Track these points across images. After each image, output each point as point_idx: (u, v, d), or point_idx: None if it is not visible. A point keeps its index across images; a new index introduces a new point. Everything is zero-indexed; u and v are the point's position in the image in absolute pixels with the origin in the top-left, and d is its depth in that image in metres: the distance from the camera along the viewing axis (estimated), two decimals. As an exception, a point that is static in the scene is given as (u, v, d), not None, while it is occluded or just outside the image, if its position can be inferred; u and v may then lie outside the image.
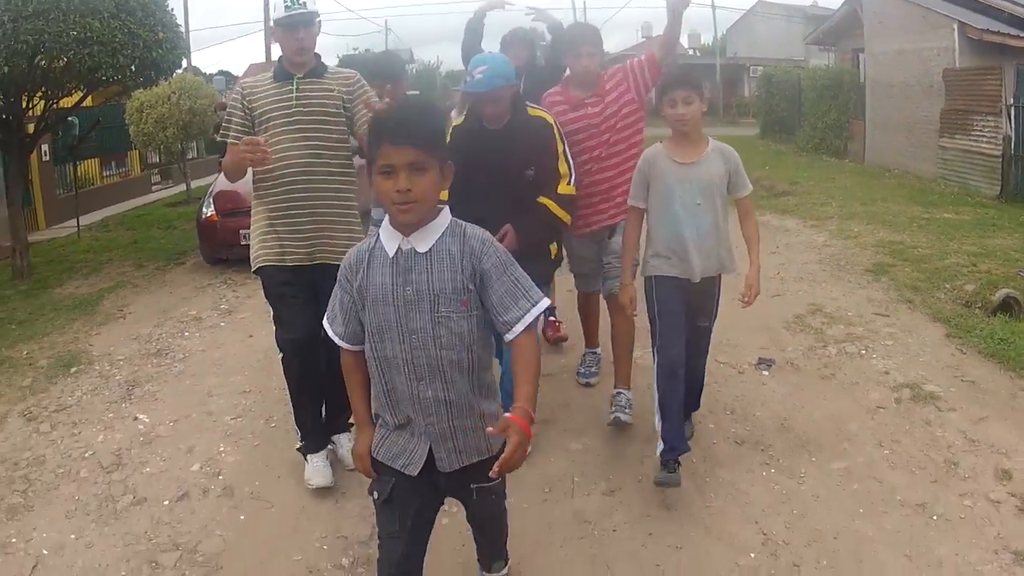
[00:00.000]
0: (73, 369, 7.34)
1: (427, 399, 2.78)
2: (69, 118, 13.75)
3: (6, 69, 9.38)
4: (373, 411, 3.01)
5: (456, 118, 5.51)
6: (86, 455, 5.58)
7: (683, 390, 4.58)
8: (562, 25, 6.49)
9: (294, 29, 4.62)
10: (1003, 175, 15.01)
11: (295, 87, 4.65)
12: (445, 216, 2.79)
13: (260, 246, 4.76)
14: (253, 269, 4.87)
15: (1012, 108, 14.93)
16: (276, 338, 4.91)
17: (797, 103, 26.63)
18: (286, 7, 4.60)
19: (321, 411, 5.09)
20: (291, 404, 5.06)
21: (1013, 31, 16.63)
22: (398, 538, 2.94)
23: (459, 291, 2.72)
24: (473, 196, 4.73)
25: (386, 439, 2.93)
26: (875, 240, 10.84)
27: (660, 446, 4.47)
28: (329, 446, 5.12)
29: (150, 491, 5.03)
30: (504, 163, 4.93)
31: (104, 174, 22.03)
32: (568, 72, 5.92)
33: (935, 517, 4.28)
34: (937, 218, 12.44)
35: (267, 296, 4.87)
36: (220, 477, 5.16)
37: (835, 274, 9.29)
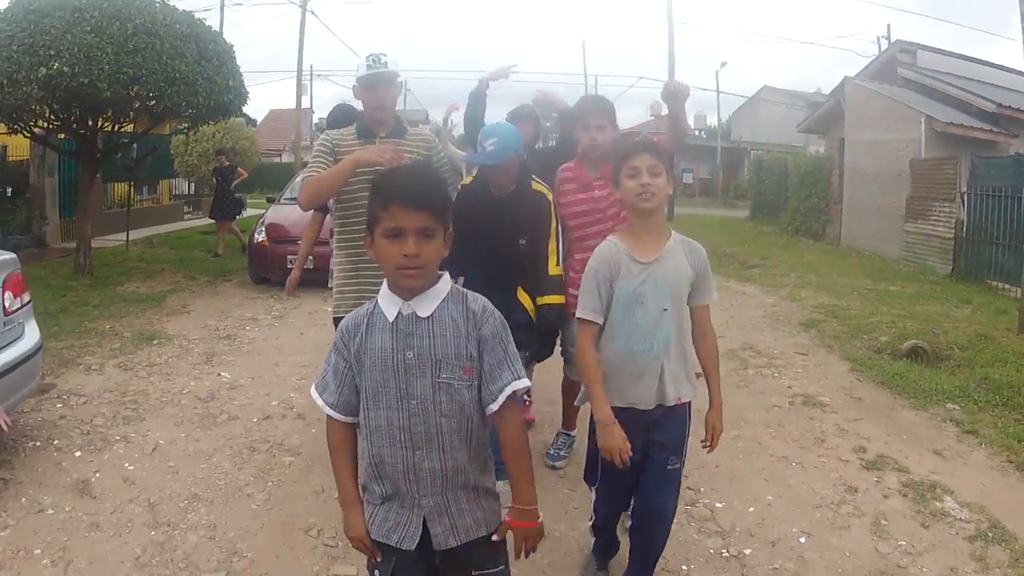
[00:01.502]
0: (155, 341, 9.18)
1: (423, 470, 2.65)
2: (134, 143, 15.64)
3: (108, 94, 11.19)
4: (361, 484, 2.85)
5: (465, 178, 5.58)
6: (183, 392, 7.37)
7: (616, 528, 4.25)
8: (570, 108, 6.19)
9: (375, 87, 4.80)
10: (955, 256, 16.68)
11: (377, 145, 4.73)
12: (446, 282, 2.71)
13: (339, 295, 4.99)
14: (332, 316, 5.16)
15: (965, 195, 16.68)
16: None
17: (783, 187, 28.20)
18: (368, 66, 4.76)
19: None
20: None
21: (977, 124, 18.50)
22: None
23: (462, 358, 2.63)
24: (467, 255, 4.84)
25: (376, 515, 2.77)
26: (816, 303, 12.55)
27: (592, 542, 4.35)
28: None
29: (241, 414, 6.87)
30: (503, 229, 5.08)
31: (137, 199, 23.70)
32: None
33: (794, 464, 6.05)
34: (880, 289, 14.13)
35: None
36: (293, 409, 6.97)
37: (773, 325, 11.00)
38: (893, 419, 7.21)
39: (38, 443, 6.05)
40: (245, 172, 18.93)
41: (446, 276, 2.71)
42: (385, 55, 4.81)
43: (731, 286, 14.59)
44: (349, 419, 2.76)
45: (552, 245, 5.18)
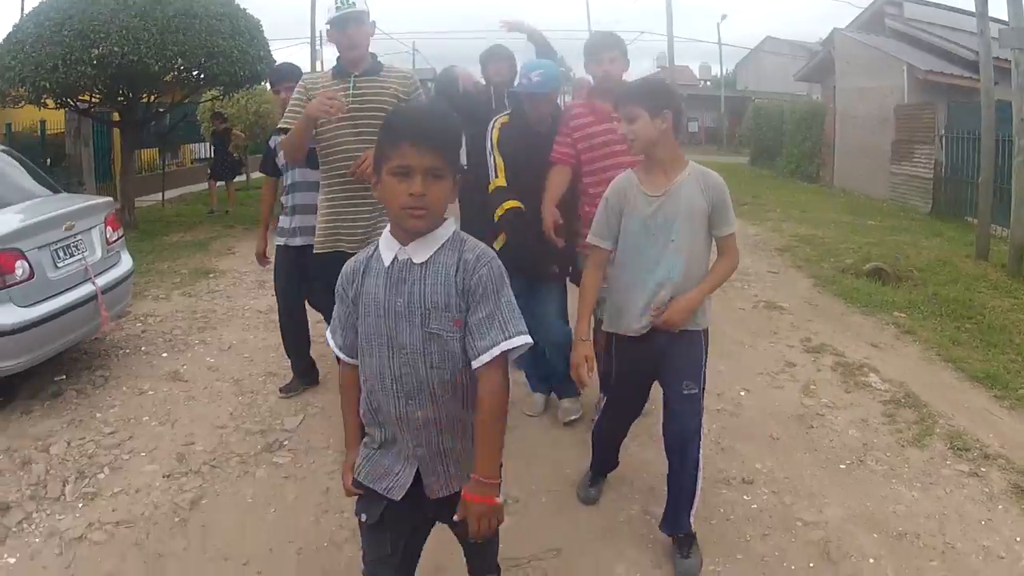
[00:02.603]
0: (211, 275, 10.58)
1: (415, 419, 2.57)
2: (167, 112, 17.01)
3: (156, 68, 12.69)
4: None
5: (501, 117, 5.62)
6: (245, 308, 8.74)
7: (619, 445, 4.49)
8: (542, 35, 6.37)
9: (345, 26, 4.72)
10: (934, 194, 17.99)
11: (352, 84, 4.75)
12: (448, 227, 2.58)
13: (319, 234, 5.02)
14: (313, 251, 5.08)
15: (943, 138, 17.95)
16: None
17: (780, 133, 29.16)
18: (337, 7, 4.71)
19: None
20: None
21: (957, 71, 19.53)
22: (387, 564, 2.78)
23: (451, 308, 2.51)
24: (519, 188, 5.28)
25: (370, 459, 2.72)
26: (794, 232, 13.84)
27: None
28: None
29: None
30: (547, 158, 5.25)
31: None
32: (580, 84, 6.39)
33: (747, 347, 7.41)
34: (858, 223, 15.40)
35: (310, 277, 5.61)
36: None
37: (752, 251, 12.18)
38: (842, 321, 8.43)
39: (128, 350, 7.42)
40: (241, 133, 19.80)
41: (449, 221, 2.60)
42: None
43: (719, 220, 15.79)
44: (356, 361, 2.73)
45: None
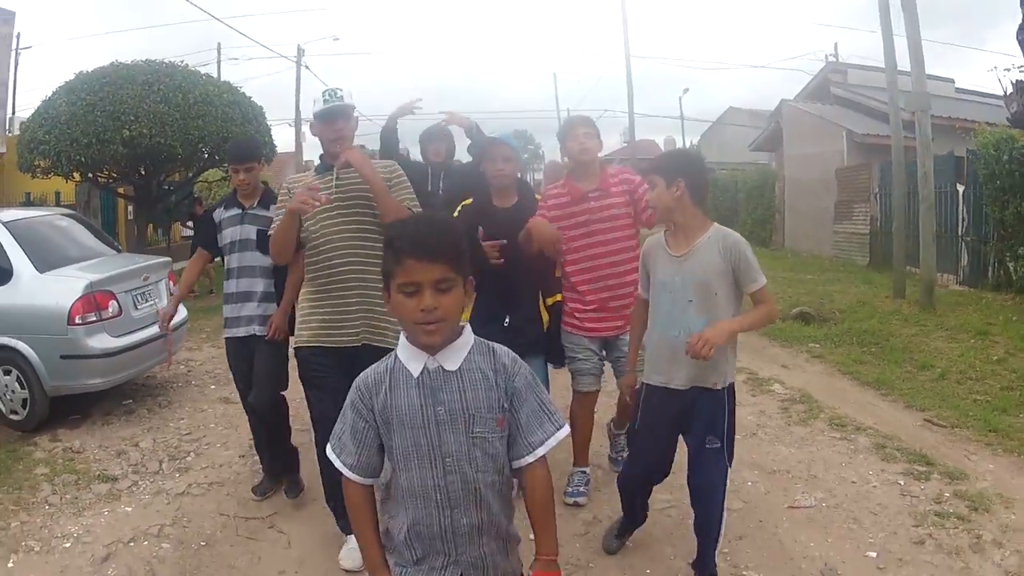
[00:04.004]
0: (230, 333, 12.14)
1: (461, 527, 2.50)
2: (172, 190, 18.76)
3: (181, 150, 14.50)
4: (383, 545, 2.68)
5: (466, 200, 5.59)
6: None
7: (645, 501, 4.51)
8: (477, 126, 6.45)
9: (332, 120, 4.69)
10: (871, 248, 19.63)
11: (335, 177, 4.66)
12: (469, 334, 2.57)
13: (301, 328, 4.83)
14: (294, 348, 4.92)
15: (877, 195, 19.57)
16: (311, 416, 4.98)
17: (735, 202, 30.13)
18: (325, 100, 4.68)
19: None
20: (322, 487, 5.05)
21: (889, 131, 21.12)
22: None
23: (495, 410, 2.50)
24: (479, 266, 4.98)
25: (405, 573, 2.60)
26: (733, 290, 15.38)
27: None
28: None
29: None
30: (513, 237, 5.07)
31: (155, 238, 26.74)
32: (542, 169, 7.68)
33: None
34: (796, 277, 16.85)
35: (300, 378, 4.87)
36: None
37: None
38: (761, 352, 9.94)
39: (180, 384, 9.09)
40: None
41: (468, 328, 2.59)
42: (341, 89, 4.77)
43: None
44: (368, 481, 2.63)
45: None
